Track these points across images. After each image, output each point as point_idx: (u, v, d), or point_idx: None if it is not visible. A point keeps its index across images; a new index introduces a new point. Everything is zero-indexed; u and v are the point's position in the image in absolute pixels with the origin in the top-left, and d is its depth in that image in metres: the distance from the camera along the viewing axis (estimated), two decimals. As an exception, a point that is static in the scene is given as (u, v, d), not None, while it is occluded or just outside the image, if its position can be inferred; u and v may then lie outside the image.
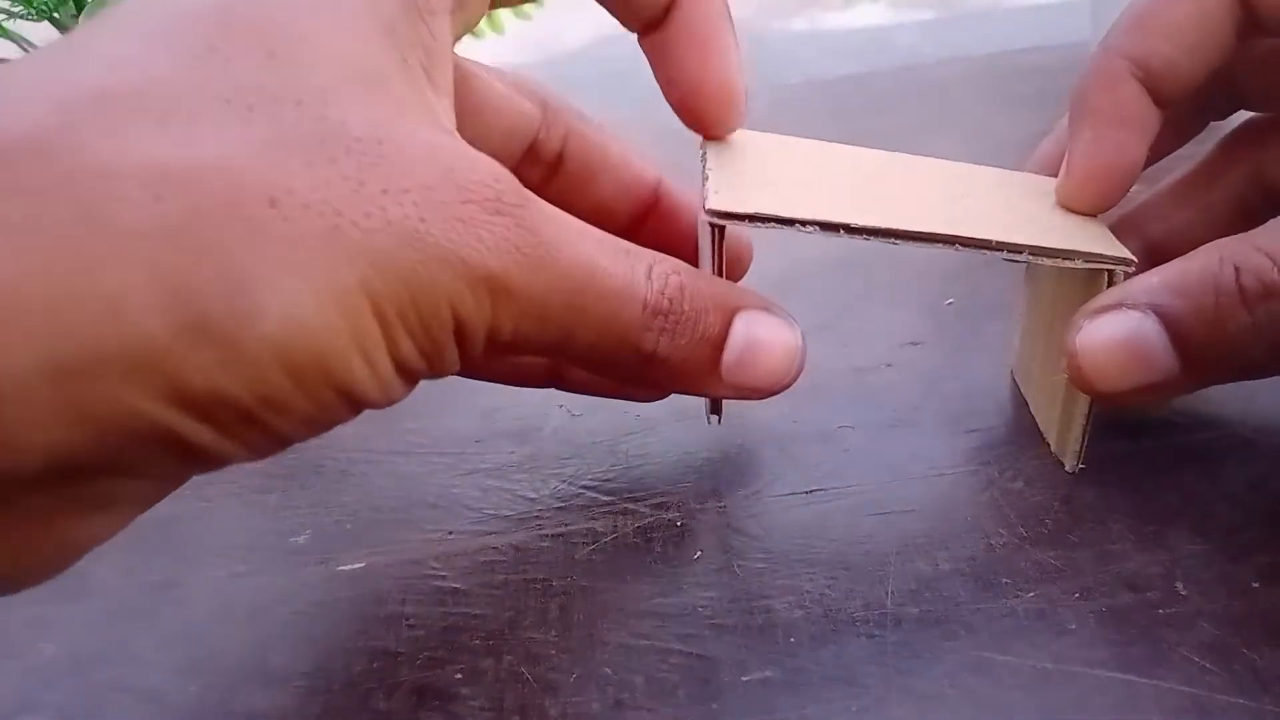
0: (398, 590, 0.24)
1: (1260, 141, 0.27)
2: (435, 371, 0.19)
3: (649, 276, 0.20)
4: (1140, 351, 0.21)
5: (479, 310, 0.18)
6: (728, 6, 0.25)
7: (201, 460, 0.17)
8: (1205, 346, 0.21)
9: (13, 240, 0.14)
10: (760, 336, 0.22)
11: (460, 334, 0.18)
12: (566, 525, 0.26)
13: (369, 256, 0.16)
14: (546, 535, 0.25)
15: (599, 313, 0.20)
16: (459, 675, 0.22)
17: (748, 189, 0.23)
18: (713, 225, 0.22)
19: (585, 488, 0.27)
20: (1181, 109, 0.25)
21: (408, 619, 0.23)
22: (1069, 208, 0.25)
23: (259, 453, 0.17)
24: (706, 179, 0.23)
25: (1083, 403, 0.24)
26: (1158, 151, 0.26)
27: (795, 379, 0.23)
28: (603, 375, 0.24)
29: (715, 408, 0.26)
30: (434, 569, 0.25)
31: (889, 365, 0.31)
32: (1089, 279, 0.23)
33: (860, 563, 0.24)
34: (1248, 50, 0.25)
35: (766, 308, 0.22)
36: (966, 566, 0.23)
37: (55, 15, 0.40)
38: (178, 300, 0.15)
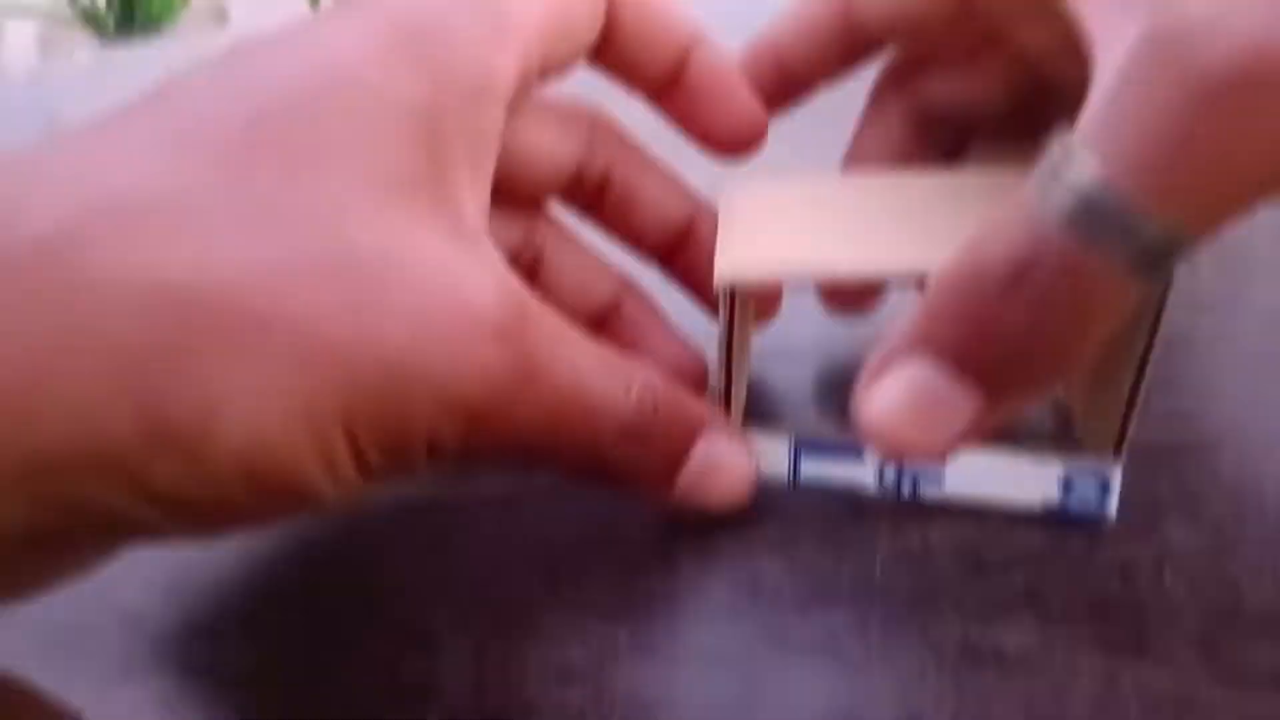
0: (388, 532, 0.24)
1: (913, 74, 0.27)
2: (401, 473, 0.19)
3: (628, 393, 0.21)
4: (930, 402, 0.18)
5: (454, 430, 0.19)
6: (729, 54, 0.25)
7: (145, 537, 0.19)
8: (990, 361, 0.18)
9: (2, 346, 0.16)
10: (718, 462, 0.22)
11: (433, 449, 0.19)
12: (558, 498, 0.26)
13: (351, 382, 0.17)
14: (536, 505, 0.25)
15: (576, 433, 0.20)
16: (446, 620, 0.22)
17: (757, 247, 0.22)
18: (720, 292, 0.22)
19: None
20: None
21: (396, 563, 0.23)
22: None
23: (202, 535, 0.20)
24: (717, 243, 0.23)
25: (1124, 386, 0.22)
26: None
27: (743, 504, 0.23)
28: (556, 470, 0.23)
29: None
30: (424, 518, 0.25)
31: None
32: None
33: (851, 534, 0.24)
34: None
35: (728, 434, 0.23)
36: (958, 544, 0.23)
37: None
38: (148, 410, 0.16)
